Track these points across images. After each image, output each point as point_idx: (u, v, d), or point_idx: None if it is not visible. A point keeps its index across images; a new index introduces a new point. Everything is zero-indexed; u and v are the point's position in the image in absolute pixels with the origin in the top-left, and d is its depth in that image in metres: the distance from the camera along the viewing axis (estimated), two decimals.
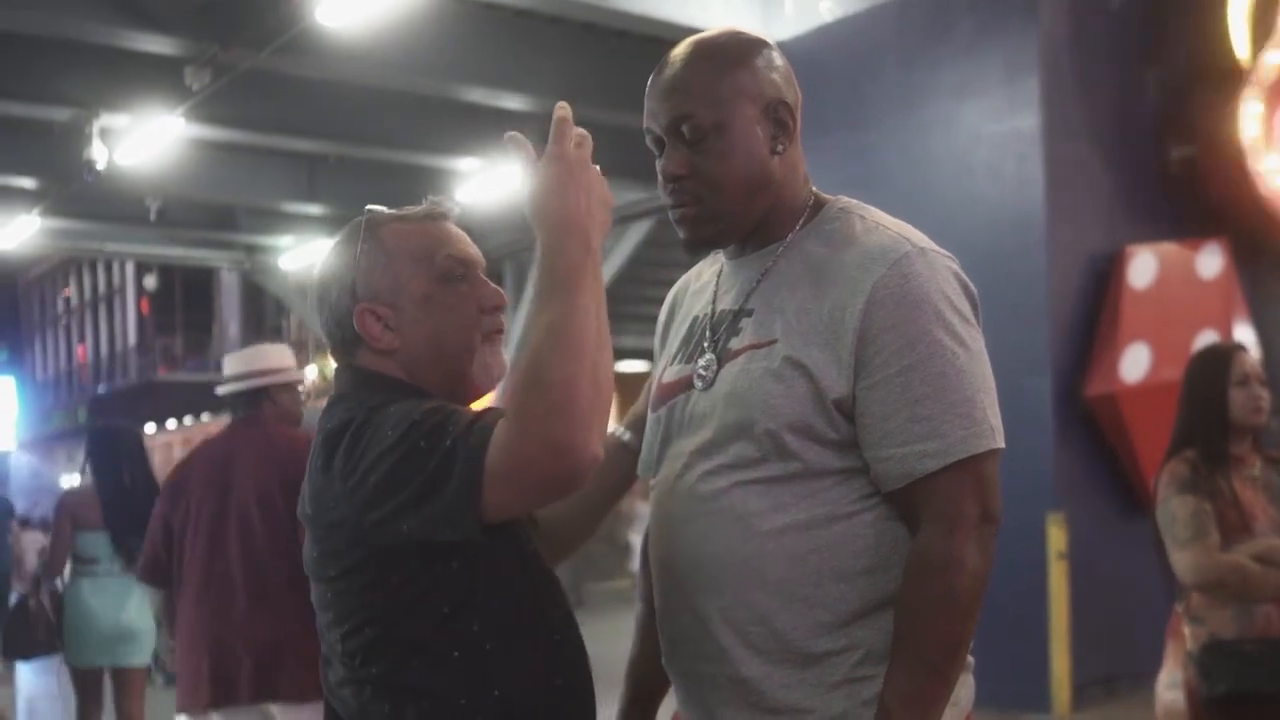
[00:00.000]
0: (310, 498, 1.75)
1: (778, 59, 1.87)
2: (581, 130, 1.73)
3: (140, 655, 6.07)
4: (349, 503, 1.66)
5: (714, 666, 1.82)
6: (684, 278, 2.10)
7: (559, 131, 1.71)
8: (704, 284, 2.01)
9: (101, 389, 33.28)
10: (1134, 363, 7.96)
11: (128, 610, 5.95)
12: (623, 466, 2.10)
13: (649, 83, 1.87)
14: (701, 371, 1.87)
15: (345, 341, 1.84)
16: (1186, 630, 3.63)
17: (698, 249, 1.94)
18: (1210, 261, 8.35)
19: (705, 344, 1.89)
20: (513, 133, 1.75)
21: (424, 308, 1.80)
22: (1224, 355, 3.74)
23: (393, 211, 1.87)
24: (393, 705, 1.69)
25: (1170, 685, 3.81)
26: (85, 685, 6.12)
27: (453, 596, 1.68)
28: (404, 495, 1.61)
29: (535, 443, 1.55)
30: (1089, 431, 8.14)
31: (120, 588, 5.93)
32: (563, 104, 1.74)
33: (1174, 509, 3.54)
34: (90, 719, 6.14)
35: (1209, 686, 3.52)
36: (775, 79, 1.85)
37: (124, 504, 5.87)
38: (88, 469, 6.09)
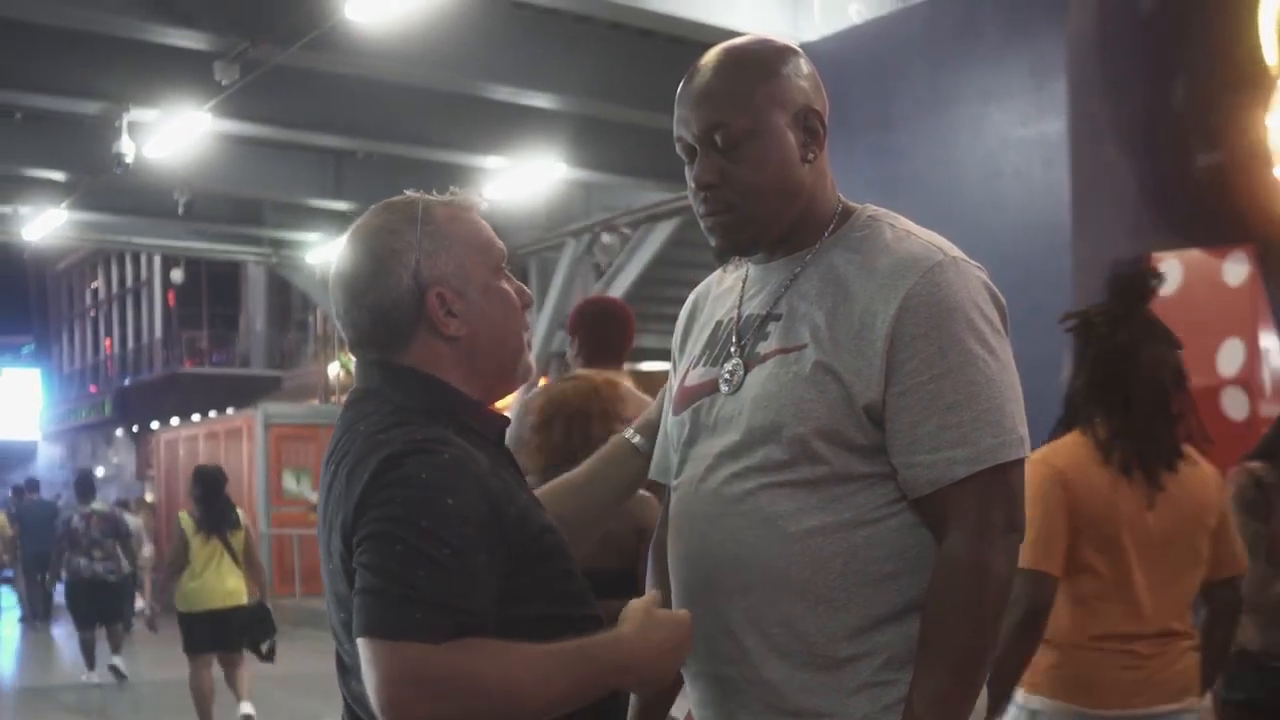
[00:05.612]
0: (354, 505, 1.65)
1: (805, 67, 1.88)
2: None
3: None
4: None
5: (734, 668, 1.83)
6: (704, 282, 2.09)
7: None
8: (726, 289, 2.01)
9: (127, 381, 33.41)
10: None
11: None
12: (633, 468, 2.12)
13: (679, 90, 1.87)
14: (727, 375, 1.87)
15: (393, 329, 1.74)
16: None
17: (729, 256, 1.95)
18: (1236, 269, 8.30)
19: (731, 348, 1.89)
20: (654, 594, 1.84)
21: (486, 296, 1.77)
22: None
23: (441, 197, 1.81)
24: None
25: None
26: None
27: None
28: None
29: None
30: None
31: None
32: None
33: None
34: None
35: (1228, 691, 3.65)
36: (805, 86, 1.86)
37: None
38: None
